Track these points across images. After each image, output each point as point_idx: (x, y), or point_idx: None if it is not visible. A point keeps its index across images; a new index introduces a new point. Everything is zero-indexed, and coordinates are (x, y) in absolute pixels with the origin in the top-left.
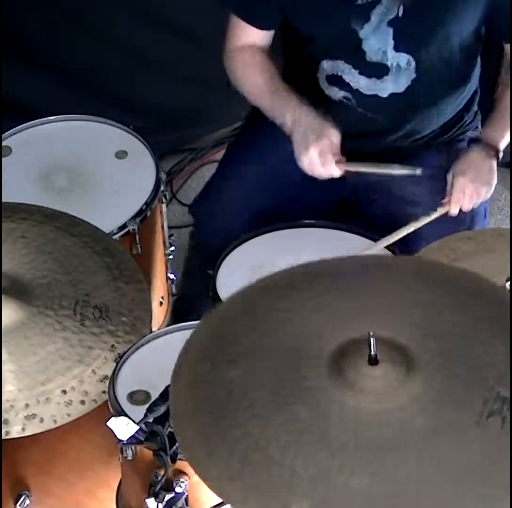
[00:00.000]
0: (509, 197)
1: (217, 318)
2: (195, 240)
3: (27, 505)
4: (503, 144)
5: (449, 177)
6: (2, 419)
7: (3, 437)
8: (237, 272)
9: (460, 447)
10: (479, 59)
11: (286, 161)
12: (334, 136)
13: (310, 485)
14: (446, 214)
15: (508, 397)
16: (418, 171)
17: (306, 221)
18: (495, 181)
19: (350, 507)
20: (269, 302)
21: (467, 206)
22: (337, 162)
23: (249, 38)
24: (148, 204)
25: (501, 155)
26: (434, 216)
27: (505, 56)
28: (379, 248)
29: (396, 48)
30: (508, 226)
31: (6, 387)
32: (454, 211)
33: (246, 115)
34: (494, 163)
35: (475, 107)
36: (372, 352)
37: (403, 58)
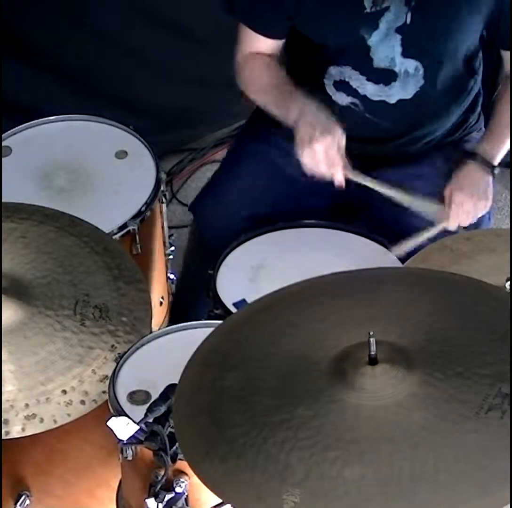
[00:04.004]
0: (509, 197)
1: (226, 328)
2: (195, 240)
3: (27, 505)
4: (498, 159)
5: (447, 192)
6: (2, 419)
7: (3, 437)
8: (237, 272)
9: (457, 437)
10: (481, 62)
11: (287, 163)
12: (341, 137)
13: (302, 476)
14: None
15: (509, 393)
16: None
17: (306, 221)
18: (491, 196)
19: (342, 495)
20: (277, 313)
21: (465, 222)
22: (344, 162)
23: (259, 46)
24: (148, 204)
25: (497, 171)
26: (432, 232)
27: (504, 64)
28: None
29: (404, 55)
30: (508, 226)
31: (6, 387)
32: (452, 226)
33: (247, 117)
34: (491, 178)
35: (479, 108)
36: (372, 352)
37: (411, 65)
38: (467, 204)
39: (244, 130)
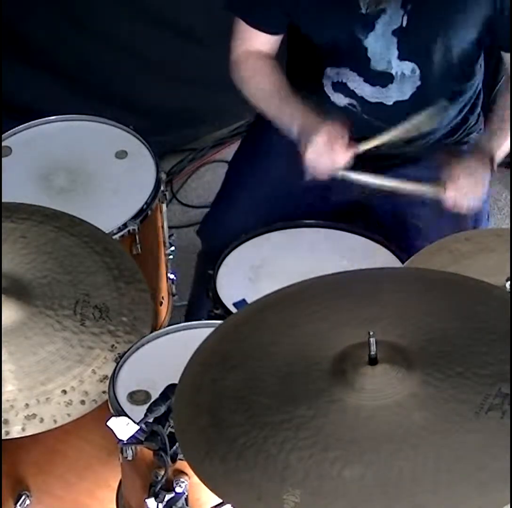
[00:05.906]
0: (509, 197)
1: (226, 328)
2: (202, 261)
3: (27, 505)
4: (499, 154)
5: (442, 183)
6: (2, 419)
7: (3, 437)
8: (237, 272)
9: (457, 437)
10: (482, 64)
11: (288, 176)
12: (342, 126)
13: (303, 476)
14: (440, 203)
15: (509, 393)
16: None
17: (306, 221)
18: (486, 186)
19: (342, 495)
20: (277, 313)
21: (460, 211)
22: (347, 146)
23: (256, 43)
24: (148, 204)
25: (495, 165)
26: (427, 192)
27: (504, 65)
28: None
29: (400, 57)
30: (508, 226)
31: (6, 387)
32: (448, 203)
33: (246, 129)
34: (488, 172)
35: (479, 109)
36: (372, 352)
37: (408, 66)
38: (461, 193)
39: (241, 148)
